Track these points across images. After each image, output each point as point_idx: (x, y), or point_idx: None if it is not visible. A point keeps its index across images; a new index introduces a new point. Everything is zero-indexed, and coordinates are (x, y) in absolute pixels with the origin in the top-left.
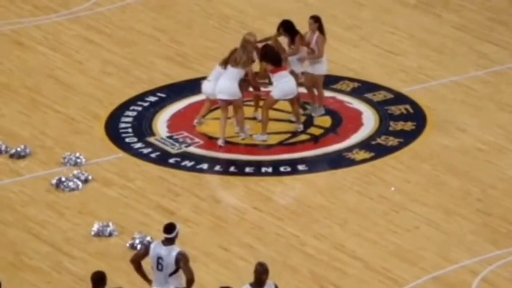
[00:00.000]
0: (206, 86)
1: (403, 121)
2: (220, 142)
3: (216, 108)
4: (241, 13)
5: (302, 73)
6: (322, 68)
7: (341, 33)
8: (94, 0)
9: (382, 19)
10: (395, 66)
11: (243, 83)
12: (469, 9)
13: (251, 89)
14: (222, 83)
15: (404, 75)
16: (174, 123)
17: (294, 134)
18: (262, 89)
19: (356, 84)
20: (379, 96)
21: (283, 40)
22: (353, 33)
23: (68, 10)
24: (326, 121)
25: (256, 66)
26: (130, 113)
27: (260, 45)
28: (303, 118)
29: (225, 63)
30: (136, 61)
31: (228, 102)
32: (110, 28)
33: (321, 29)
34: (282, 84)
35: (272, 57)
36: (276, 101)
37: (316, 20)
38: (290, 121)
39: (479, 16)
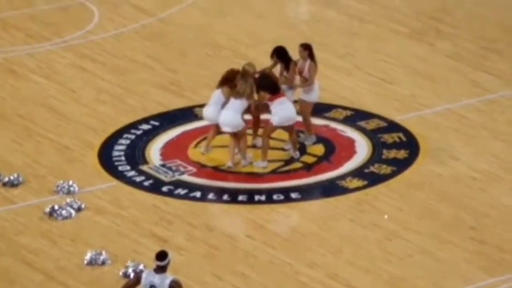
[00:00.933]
0: (206, 111)
1: (396, 149)
2: (229, 163)
3: (205, 138)
4: (235, 41)
5: (295, 101)
6: (313, 96)
7: (334, 61)
8: (88, 29)
9: (375, 48)
10: (388, 94)
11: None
12: (462, 37)
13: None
14: (226, 116)
15: (397, 103)
16: (167, 151)
17: (287, 162)
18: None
19: (349, 112)
20: (372, 124)
21: (275, 69)
22: (346, 61)
23: (62, 39)
24: (319, 149)
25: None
26: (123, 141)
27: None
28: (297, 146)
29: (221, 84)
30: (129, 89)
31: (233, 133)
32: (104, 56)
33: (312, 56)
34: (282, 111)
35: (269, 85)
36: (275, 128)
37: (305, 48)
38: (283, 149)
39: (472, 45)
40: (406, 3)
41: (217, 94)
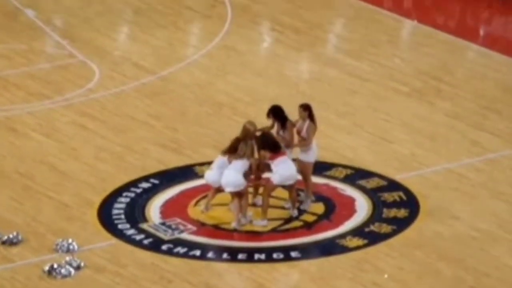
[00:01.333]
0: (208, 175)
1: (396, 208)
2: (234, 224)
3: (207, 195)
4: (235, 99)
5: (293, 160)
6: (311, 156)
7: (334, 120)
8: (88, 86)
9: (375, 106)
10: (388, 153)
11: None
12: (462, 97)
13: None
14: (228, 176)
15: (397, 162)
16: (167, 209)
17: (287, 220)
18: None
19: (349, 171)
20: (372, 183)
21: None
22: (346, 119)
23: (62, 97)
24: (319, 208)
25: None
26: (123, 199)
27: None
28: (296, 205)
29: (226, 152)
30: (130, 148)
31: (235, 192)
32: (104, 115)
33: (311, 117)
34: (283, 170)
35: (270, 144)
36: (276, 186)
37: (305, 109)
38: (283, 208)
39: (472, 104)
40: (406, 62)
41: (222, 160)
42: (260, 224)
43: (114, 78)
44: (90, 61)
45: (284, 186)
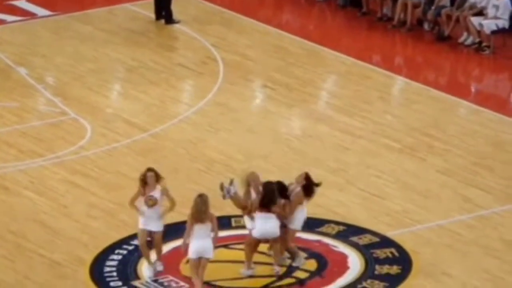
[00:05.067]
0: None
1: (388, 264)
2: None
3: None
4: (227, 156)
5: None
6: (297, 224)
7: (326, 176)
8: (80, 144)
9: (367, 163)
10: (380, 210)
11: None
12: (454, 153)
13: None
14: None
15: (390, 218)
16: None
17: (280, 277)
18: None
19: (341, 227)
20: (364, 239)
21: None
22: (338, 176)
23: (54, 154)
24: (312, 265)
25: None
26: (115, 257)
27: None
28: (288, 262)
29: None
30: (121, 205)
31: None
32: (96, 172)
33: (305, 187)
34: (260, 225)
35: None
36: (255, 239)
37: (305, 178)
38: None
39: (463, 161)
40: (398, 119)
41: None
42: (246, 274)
43: (106, 135)
44: (82, 118)
45: (267, 241)
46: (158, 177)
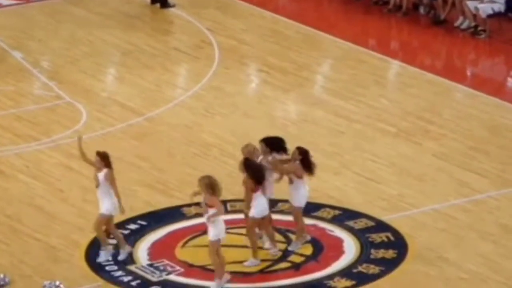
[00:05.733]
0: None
1: (384, 249)
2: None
3: (195, 236)
4: (222, 140)
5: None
6: (300, 200)
7: (322, 160)
8: (75, 128)
9: (362, 147)
10: (376, 194)
11: None
12: (450, 137)
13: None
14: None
15: (385, 203)
16: (154, 250)
17: (275, 261)
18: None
19: (337, 212)
20: (360, 223)
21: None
22: (333, 160)
23: (49, 138)
24: (307, 249)
25: None
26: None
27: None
28: (284, 246)
29: None
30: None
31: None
32: (91, 156)
33: (303, 160)
34: (258, 204)
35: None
36: (257, 220)
37: (300, 153)
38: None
39: (459, 145)
40: (394, 103)
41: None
42: (253, 265)
43: (101, 120)
44: (77, 102)
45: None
46: (106, 163)
